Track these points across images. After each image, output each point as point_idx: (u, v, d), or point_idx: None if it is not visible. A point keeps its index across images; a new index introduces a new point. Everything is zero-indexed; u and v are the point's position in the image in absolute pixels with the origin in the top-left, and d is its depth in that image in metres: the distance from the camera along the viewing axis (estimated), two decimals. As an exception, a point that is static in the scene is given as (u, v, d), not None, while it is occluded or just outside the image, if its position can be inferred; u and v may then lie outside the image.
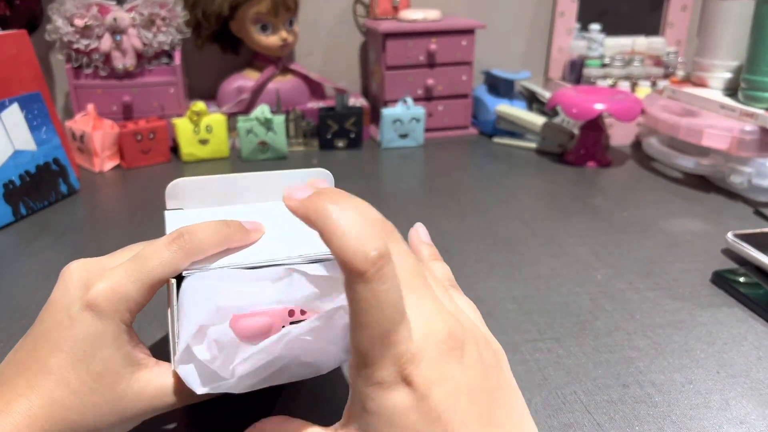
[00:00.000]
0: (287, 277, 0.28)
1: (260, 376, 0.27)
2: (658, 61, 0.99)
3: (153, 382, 0.29)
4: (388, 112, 0.87)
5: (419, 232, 0.34)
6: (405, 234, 0.29)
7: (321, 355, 0.28)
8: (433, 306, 0.24)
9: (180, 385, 0.29)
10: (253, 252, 0.31)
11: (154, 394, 0.29)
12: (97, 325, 0.28)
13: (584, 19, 1.04)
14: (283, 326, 0.27)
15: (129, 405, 0.29)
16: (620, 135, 0.89)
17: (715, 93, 0.74)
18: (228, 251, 0.31)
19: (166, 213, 0.36)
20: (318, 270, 0.28)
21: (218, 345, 0.26)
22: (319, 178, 0.37)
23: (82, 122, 0.79)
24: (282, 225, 0.33)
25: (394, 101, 0.91)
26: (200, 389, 0.27)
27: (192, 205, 0.36)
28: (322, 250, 0.30)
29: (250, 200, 0.37)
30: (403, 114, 0.87)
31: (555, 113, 0.90)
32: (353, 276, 0.22)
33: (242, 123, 0.81)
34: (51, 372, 0.27)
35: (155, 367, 0.30)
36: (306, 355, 0.27)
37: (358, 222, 0.22)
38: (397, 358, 0.22)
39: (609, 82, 0.94)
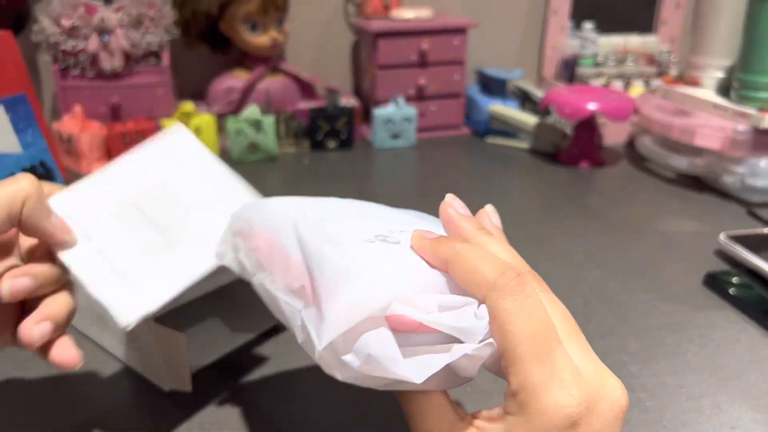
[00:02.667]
0: (466, 306, 0.23)
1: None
2: (651, 60, 0.99)
3: None
4: (379, 112, 0.86)
5: (454, 205, 0.27)
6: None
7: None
8: (597, 361, 0.23)
9: None
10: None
11: None
12: None
13: (577, 17, 1.03)
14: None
15: None
16: (613, 134, 0.88)
17: (708, 92, 0.73)
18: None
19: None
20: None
21: (374, 360, 0.22)
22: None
23: (69, 124, 0.78)
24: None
25: (386, 101, 0.91)
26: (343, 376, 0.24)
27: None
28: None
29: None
30: (395, 114, 0.86)
31: (548, 113, 0.89)
32: (494, 290, 0.22)
33: (232, 124, 0.80)
34: None
35: None
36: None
37: (489, 252, 0.24)
38: (567, 388, 0.21)
39: (602, 81, 0.94)
